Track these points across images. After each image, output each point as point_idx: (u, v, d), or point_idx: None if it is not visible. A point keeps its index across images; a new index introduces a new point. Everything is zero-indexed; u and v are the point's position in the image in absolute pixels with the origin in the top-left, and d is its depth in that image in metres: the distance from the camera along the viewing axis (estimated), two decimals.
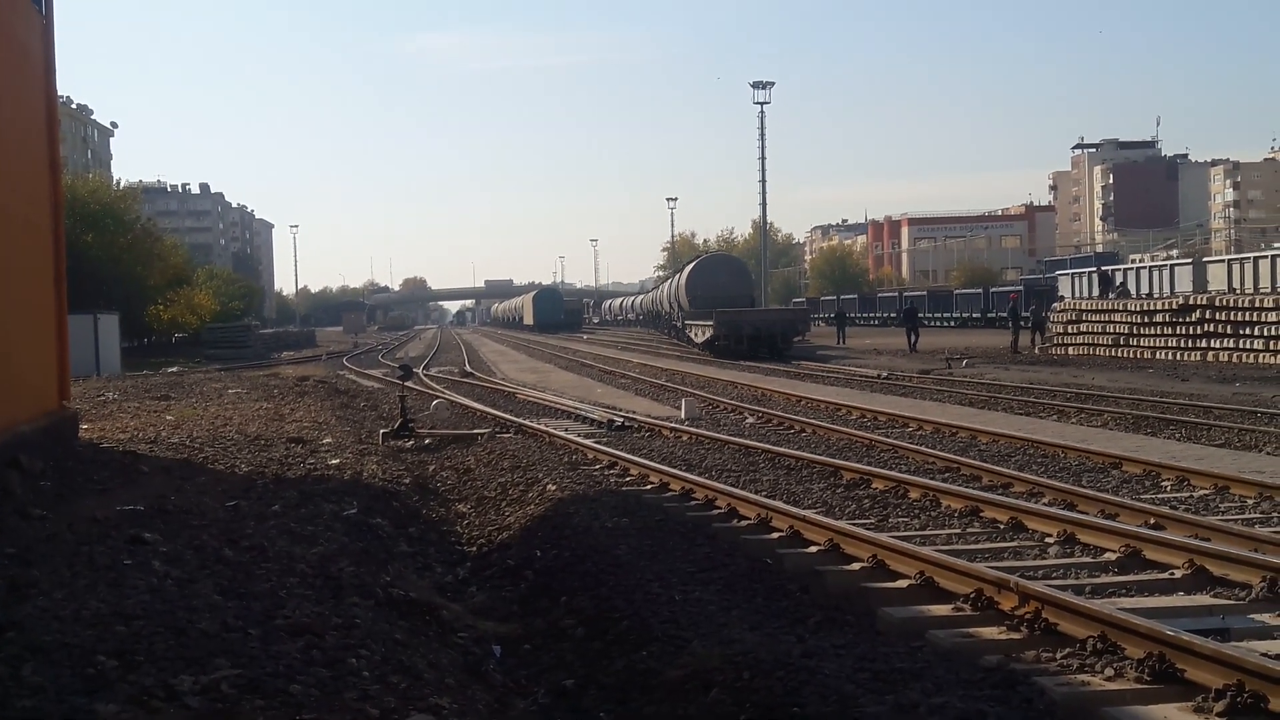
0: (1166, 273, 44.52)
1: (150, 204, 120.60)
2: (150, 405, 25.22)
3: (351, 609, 7.58)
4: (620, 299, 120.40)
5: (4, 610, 6.53)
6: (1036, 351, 41.53)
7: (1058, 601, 7.38)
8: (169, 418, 21.77)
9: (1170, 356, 34.98)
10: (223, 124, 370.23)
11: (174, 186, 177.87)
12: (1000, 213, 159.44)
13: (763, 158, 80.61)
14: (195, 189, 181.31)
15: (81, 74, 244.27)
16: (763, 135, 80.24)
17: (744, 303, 50.25)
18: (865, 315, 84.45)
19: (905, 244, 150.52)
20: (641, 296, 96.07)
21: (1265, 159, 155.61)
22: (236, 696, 5.43)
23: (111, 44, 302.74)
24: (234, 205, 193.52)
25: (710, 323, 46.32)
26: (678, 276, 59.37)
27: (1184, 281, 42.12)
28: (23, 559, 8.02)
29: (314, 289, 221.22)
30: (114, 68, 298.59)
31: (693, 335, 51.29)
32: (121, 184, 78.09)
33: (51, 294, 16.25)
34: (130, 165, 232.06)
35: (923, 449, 15.57)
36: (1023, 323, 44.61)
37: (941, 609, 7.94)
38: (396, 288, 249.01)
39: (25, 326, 14.79)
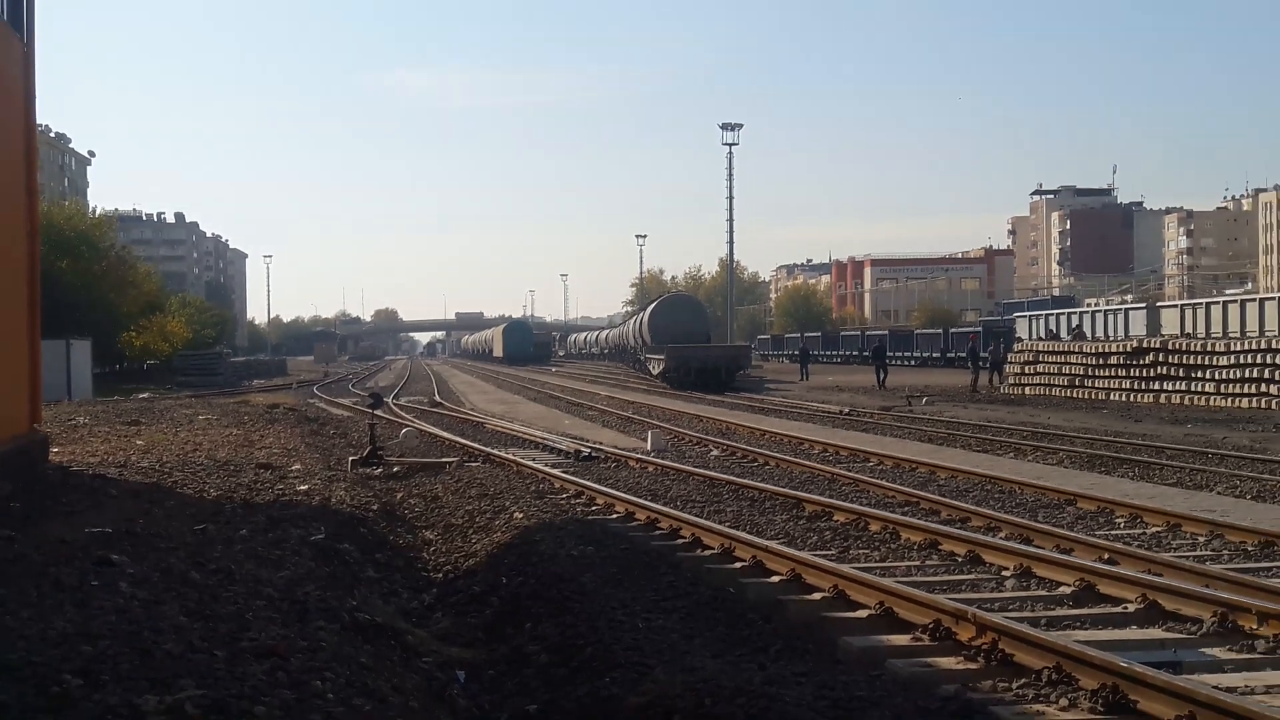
0: (1121, 316, 44.93)
1: (125, 232, 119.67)
2: (120, 430, 24.98)
3: (317, 632, 7.50)
4: (587, 333, 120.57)
5: None
6: (995, 391, 41.77)
7: (1014, 633, 7.39)
8: (139, 442, 21.56)
9: (1124, 398, 35.26)
10: (199, 154, 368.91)
11: (149, 215, 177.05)
12: (960, 255, 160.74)
13: (730, 198, 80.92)
14: (170, 218, 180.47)
15: (60, 102, 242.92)
16: (730, 176, 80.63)
17: (700, 339, 54.36)
18: (829, 353, 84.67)
19: (868, 284, 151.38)
20: (609, 331, 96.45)
21: (1218, 208, 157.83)
22: (201, 716, 5.35)
23: (89, 73, 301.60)
24: (208, 235, 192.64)
25: (663, 356, 50.66)
26: (642, 314, 63.79)
27: (1138, 325, 42.51)
28: None
29: (286, 318, 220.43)
30: (91, 96, 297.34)
31: (651, 368, 55.38)
32: (97, 212, 77.57)
33: (25, 319, 16.08)
34: (106, 194, 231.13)
35: (883, 483, 15.61)
36: (981, 363, 44.92)
37: (901, 639, 7.94)
38: (368, 318, 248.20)
39: None
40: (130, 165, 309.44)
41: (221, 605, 7.75)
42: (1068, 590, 9.26)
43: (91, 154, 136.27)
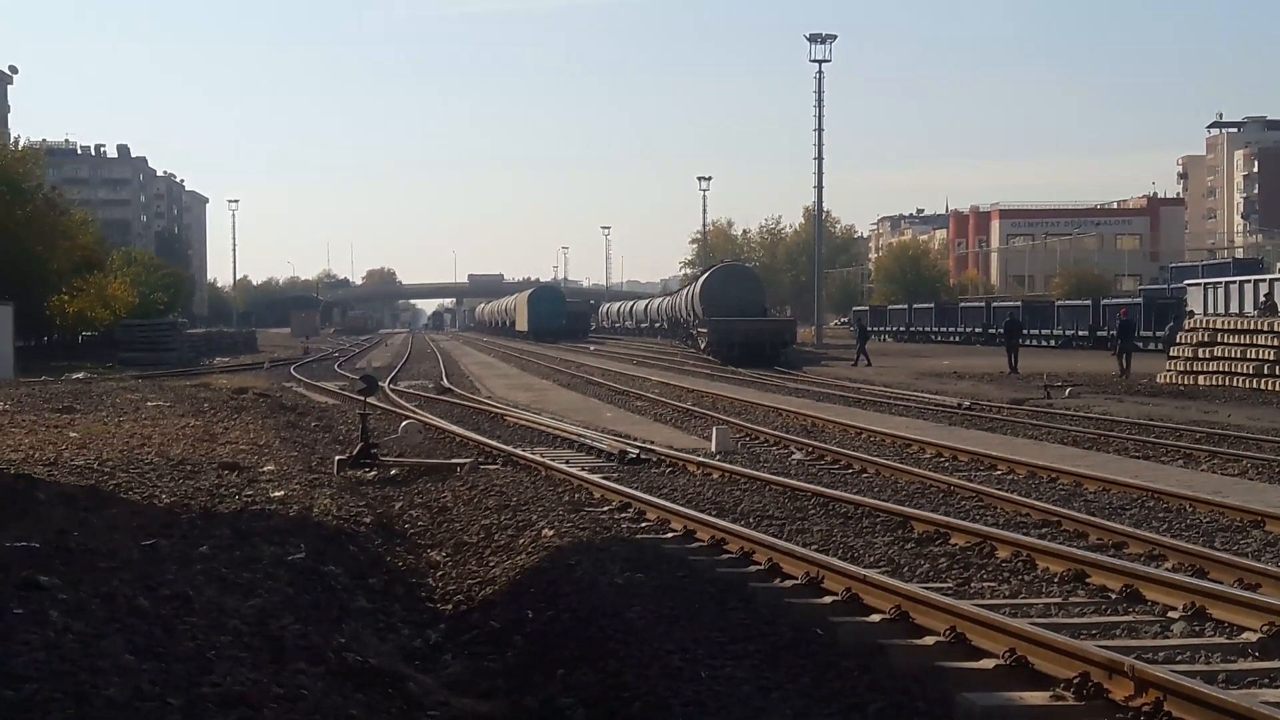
0: None
1: (56, 169, 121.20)
2: (50, 419, 25.29)
3: (296, 677, 7.57)
4: (633, 302, 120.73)
5: None
6: (1159, 379, 41.40)
7: (1184, 690, 7.34)
8: (73, 434, 21.82)
9: None
10: (147, 73, 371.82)
11: (85, 148, 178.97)
12: (1116, 205, 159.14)
13: (819, 130, 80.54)
14: (112, 152, 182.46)
15: None
16: (820, 102, 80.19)
17: (755, 312, 63.38)
18: (944, 330, 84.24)
19: (995, 241, 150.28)
20: (662, 300, 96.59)
21: None
22: None
23: None
24: (159, 174, 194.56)
25: (706, 330, 61.33)
26: (694, 284, 74.32)
27: None
28: None
29: (256, 280, 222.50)
30: (13, 2, 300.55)
31: (700, 343, 64.51)
32: (20, 143, 78.32)
33: None
34: (31, 120, 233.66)
35: (1014, 496, 15.55)
36: (1139, 343, 44.38)
37: (1037, 696, 7.92)
38: (359, 282, 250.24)
39: None
40: (62, 86, 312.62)
41: (177, 641, 7.84)
42: (1252, 637, 9.19)
43: (13, 70, 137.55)
